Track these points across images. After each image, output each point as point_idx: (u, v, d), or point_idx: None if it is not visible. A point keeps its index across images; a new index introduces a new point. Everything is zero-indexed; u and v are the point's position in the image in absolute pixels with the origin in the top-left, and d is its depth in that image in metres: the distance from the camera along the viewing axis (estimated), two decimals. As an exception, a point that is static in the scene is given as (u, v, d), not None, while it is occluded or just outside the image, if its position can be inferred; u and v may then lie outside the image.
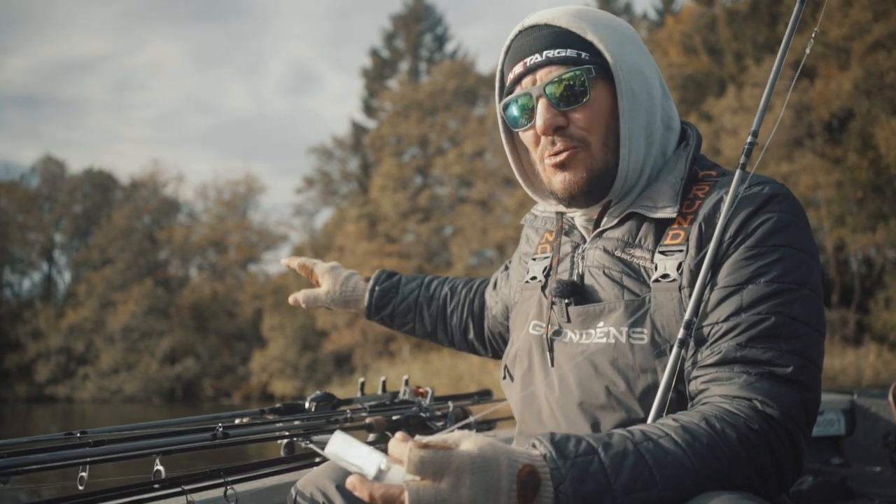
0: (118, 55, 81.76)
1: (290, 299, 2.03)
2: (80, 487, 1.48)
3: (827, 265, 23.12)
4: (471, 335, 1.95)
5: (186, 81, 79.39)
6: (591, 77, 1.34)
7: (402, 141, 38.48)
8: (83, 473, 1.50)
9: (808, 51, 1.43)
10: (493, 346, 1.93)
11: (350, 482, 0.97)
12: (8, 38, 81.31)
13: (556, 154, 1.38)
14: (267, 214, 64.21)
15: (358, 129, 42.40)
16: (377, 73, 42.95)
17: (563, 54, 1.35)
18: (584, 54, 1.35)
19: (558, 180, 1.39)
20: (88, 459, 1.48)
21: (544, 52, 1.36)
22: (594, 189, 1.38)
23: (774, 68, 1.38)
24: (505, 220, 31.52)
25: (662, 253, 1.33)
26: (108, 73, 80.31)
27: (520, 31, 1.42)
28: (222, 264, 45.37)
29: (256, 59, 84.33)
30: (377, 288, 1.99)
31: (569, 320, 1.40)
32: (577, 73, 1.34)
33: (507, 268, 1.85)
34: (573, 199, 1.40)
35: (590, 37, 1.35)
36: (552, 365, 1.41)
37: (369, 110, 42.84)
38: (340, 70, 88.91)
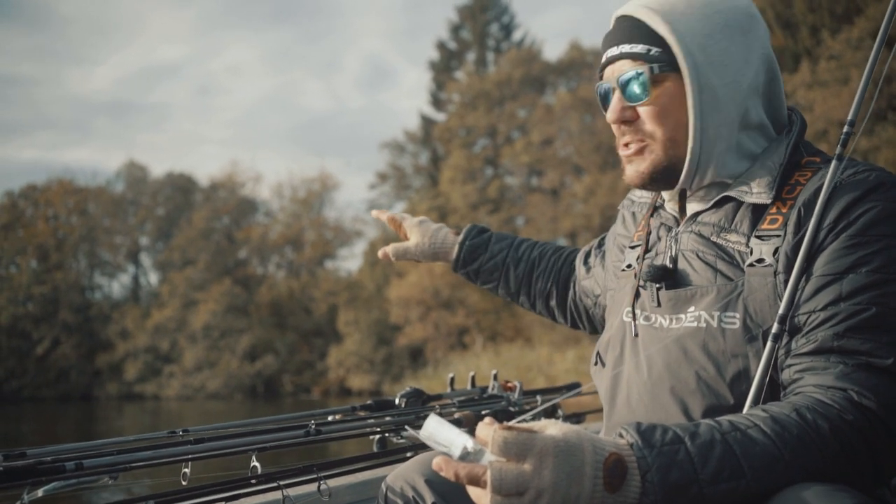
0: (198, 60, 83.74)
1: (380, 253, 2.05)
2: (184, 483, 1.55)
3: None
4: (552, 302, 1.98)
5: (264, 82, 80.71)
6: (655, 75, 1.35)
7: (470, 132, 38.45)
8: (186, 470, 1.56)
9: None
10: (574, 315, 1.95)
11: (436, 463, 0.99)
12: (98, 49, 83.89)
13: (625, 146, 1.43)
14: (342, 211, 65.01)
15: (427, 122, 42.51)
16: (444, 65, 42.94)
17: (634, 50, 1.36)
18: (653, 50, 1.35)
19: (626, 170, 1.45)
20: (191, 456, 1.54)
21: (619, 46, 1.39)
22: (658, 180, 1.42)
23: (872, 56, 1.33)
24: (575, 209, 31.22)
25: (759, 237, 1.31)
26: (189, 77, 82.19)
27: (615, 19, 1.44)
28: (299, 262, 46.17)
29: (331, 57, 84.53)
30: (467, 243, 2.01)
31: (659, 304, 1.40)
32: (640, 72, 1.35)
33: (601, 245, 1.86)
34: (640, 187, 1.45)
35: (661, 30, 1.34)
36: (639, 350, 1.41)
37: (437, 103, 42.89)
38: (415, 64, 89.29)
